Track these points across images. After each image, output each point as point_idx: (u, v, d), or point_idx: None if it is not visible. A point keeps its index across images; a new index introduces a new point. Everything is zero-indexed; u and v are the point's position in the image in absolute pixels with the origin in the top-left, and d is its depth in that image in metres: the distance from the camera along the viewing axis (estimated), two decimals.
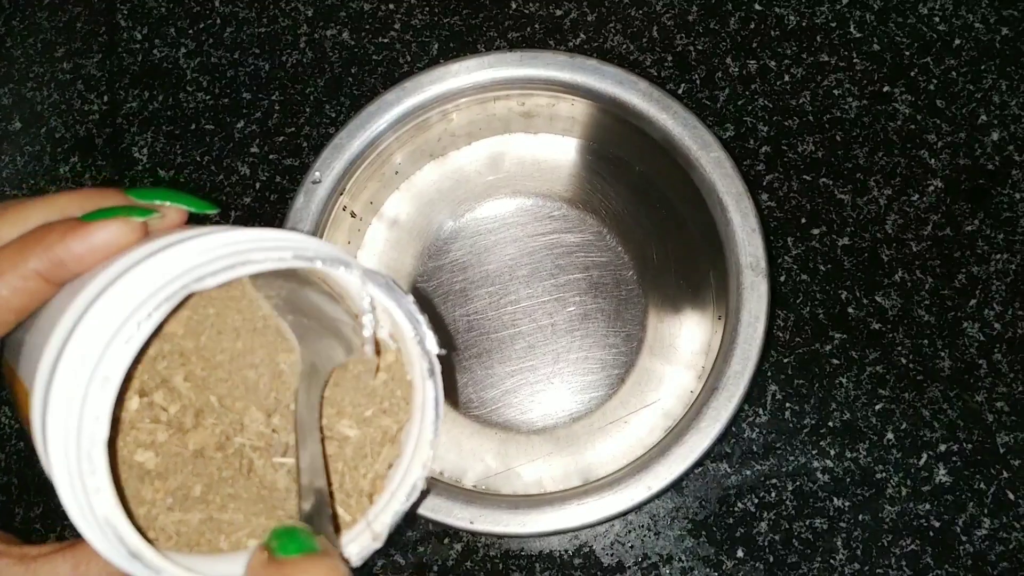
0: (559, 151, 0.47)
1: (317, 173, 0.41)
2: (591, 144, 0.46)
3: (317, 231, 0.41)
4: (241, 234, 0.22)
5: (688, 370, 0.43)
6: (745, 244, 0.39)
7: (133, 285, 0.20)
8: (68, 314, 0.21)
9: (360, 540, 0.23)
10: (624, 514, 0.37)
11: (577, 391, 0.44)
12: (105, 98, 0.49)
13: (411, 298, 0.23)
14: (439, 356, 0.24)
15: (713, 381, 0.38)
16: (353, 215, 0.44)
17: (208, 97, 0.49)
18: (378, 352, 0.25)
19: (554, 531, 0.37)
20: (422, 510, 0.37)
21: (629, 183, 0.46)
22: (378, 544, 0.24)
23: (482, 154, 0.47)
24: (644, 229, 0.45)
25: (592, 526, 0.39)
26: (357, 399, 0.25)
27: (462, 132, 0.46)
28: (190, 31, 0.50)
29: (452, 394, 0.44)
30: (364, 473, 0.25)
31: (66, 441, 0.20)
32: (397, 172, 0.46)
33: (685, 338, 0.44)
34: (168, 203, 0.24)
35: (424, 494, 0.25)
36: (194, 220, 0.25)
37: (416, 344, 0.23)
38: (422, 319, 0.23)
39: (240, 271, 0.20)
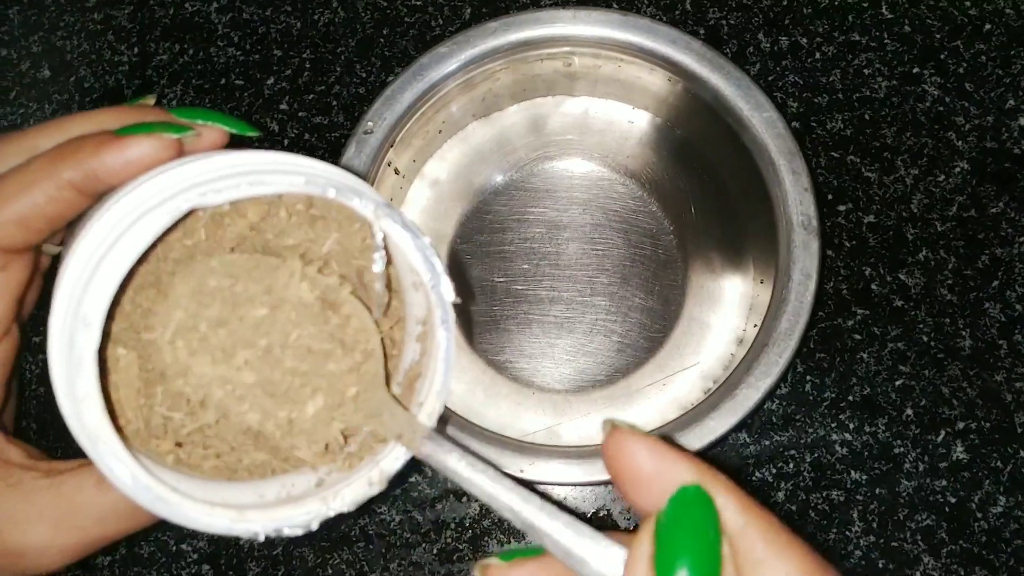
0: (602, 115, 0.47)
1: (370, 123, 0.41)
2: (634, 108, 0.47)
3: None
4: (257, 156, 0.22)
5: (727, 333, 0.44)
6: (797, 203, 0.39)
7: (137, 198, 0.20)
8: (85, 229, 0.21)
9: (356, 486, 0.23)
10: None
11: (615, 353, 0.44)
12: (135, 50, 0.49)
13: (428, 239, 0.22)
14: (454, 304, 0.23)
15: (763, 337, 0.38)
16: (397, 172, 0.44)
17: (239, 53, 0.48)
18: (389, 289, 0.24)
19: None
20: (481, 450, 0.37)
21: (670, 147, 0.46)
22: (376, 490, 0.23)
23: (525, 116, 0.47)
24: (685, 193, 0.46)
25: None
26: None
27: (506, 92, 0.46)
28: None
29: (490, 354, 0.44)
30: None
31: (60, 349, 0.20)
32: (441, 131, 0.46)
33: (724, 302, 0.44)
34: (208, 122, 0.24)
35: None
36: (237, 144, 0.25)
37: (431, 290, 0.22)
38: (437, 262, 0.22)
39: (246, 191, 0.21)
